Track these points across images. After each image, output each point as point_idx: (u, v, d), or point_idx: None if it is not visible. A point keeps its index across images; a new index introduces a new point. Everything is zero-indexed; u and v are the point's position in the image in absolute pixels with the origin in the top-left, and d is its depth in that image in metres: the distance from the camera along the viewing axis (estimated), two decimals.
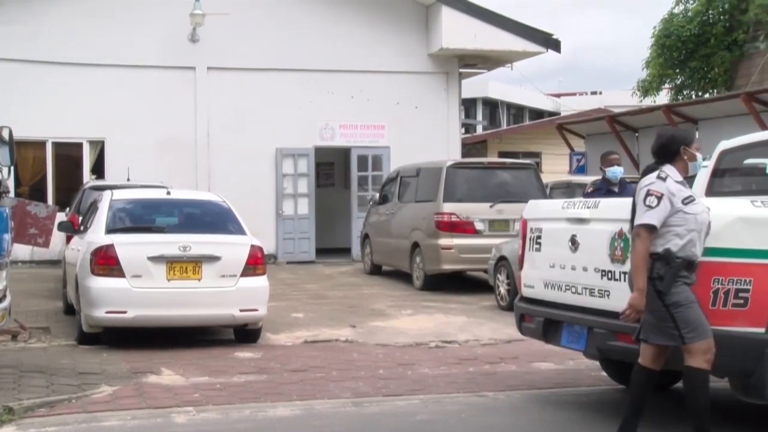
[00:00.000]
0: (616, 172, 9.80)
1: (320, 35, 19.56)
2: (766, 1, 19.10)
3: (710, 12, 21.18)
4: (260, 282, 9.36)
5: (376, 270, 16.81)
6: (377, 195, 17.07)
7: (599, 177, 16.65)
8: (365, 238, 17.28)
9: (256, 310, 9.26)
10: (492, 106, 42.83)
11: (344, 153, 20.69)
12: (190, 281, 9.04)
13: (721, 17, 21.07)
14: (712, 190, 7.52)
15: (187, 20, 18.49)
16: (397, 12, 20.09)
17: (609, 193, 9.42)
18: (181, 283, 9.01)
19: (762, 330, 5.48)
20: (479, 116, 41.85)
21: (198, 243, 9.13)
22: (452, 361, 8.51)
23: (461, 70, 20.93)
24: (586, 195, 9.55)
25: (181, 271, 9.02)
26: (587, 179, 17.40)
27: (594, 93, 48.35)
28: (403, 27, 20.11)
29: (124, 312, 8.84)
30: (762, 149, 7.44)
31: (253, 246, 9.35)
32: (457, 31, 19.42)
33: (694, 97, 21.40)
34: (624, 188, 9.49)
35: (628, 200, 7.20)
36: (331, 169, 22.74)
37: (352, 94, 19.81)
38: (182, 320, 9.22)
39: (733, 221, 5.58)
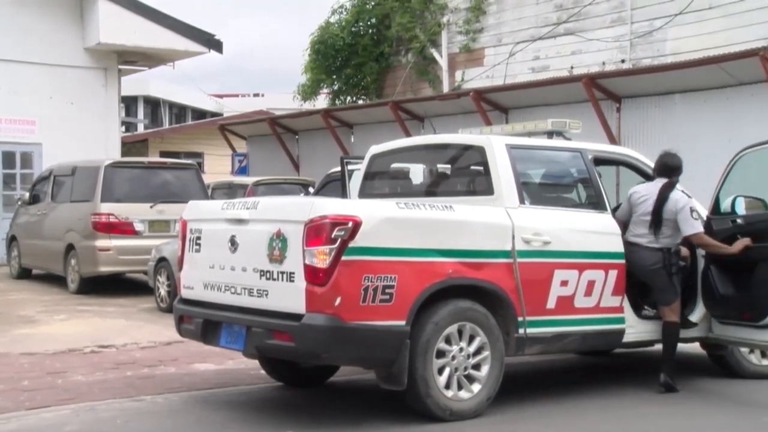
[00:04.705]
0: None
1: None
2: (405, 19, 20.60)
3: (360, 24, 22.37)
4: None
5: (25, 274, 15.89)
6: (27, 194, 16.11)
7: (263, 177, 17.10)
8: (12, 240, 16.25)
9: None
10: (154, 104, 41.96)
11: None
12: None
13: (369, 30, 22.35)
14: (364, 192, 7.98)
15: None
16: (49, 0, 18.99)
17: None
18: None
19: (403, 323, 5.89)
20: (140, 115, 40.82)
21: None
22: (109, 366, 8.20)
23: (121, 67, 20.32)
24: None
25: None
26: (249, 180, 17.67)
27: (257, 95, 49.07)
28: (56, 17, 19.04)
29: None
30: (406, 154, 8.04)
31: None
32: (116, 26, 18.82)
33: (348, 102, 22.48)
34: None
35: (286, 200, 7.42)
36: None
37: None
38: None
39: (380, 222, 5.91)
